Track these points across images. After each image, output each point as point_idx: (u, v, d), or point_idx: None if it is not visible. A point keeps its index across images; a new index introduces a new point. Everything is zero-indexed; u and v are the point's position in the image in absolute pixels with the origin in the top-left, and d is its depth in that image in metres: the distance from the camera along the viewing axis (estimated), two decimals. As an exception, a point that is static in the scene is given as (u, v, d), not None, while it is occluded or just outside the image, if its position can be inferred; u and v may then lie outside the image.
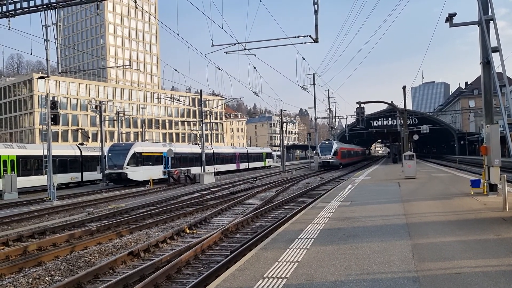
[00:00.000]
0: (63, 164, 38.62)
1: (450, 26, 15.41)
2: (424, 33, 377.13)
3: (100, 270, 9.08)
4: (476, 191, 15.55)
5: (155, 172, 40.00)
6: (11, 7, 17.46)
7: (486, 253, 7.17)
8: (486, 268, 6.27)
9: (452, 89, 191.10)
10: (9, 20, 17.87)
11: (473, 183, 16.02)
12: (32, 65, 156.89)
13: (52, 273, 9.24)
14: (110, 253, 11.09)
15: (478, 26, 14.89)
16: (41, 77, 28.24)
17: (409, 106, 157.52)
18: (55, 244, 12.39)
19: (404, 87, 41.83)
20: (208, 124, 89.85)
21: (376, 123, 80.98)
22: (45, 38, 18.07)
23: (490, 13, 14.49)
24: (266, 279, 6.31)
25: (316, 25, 18.79)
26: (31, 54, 32.62)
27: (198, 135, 69.03)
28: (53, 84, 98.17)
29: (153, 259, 10.05)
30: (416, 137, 52.03)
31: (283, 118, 60.40)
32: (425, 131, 57.12)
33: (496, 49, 13.88)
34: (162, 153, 41.81)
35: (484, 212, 11.37)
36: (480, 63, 14.98)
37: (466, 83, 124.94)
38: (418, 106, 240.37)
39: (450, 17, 15.33)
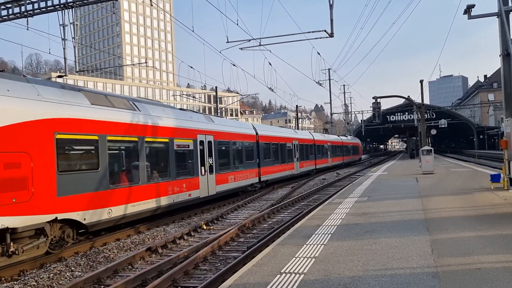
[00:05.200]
0: None
1: (468, 18, 15.13)
2: (442, 26, 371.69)
3: (119, 266, 9.19)
4: (496, 186, 15.29)
5: None
6: (29, 7, 17.69)
7: (508, 248, 7.05)
8: (507, 264, 6.16)
9: (471, 83, 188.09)
10: (27, 20, 18.12)
11: (493, 177, 15.75)
12: (50, 64, 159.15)
13: (73, 268, 9.39)
14: (128, 249, 11.22)
15: (498, 17, 14.59)
16: (59, 76, 28.62)
17: (427, 101, 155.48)
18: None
19: (421, 81, 41.27)
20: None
21: (393, 118, 79.95)
22: (62, 37, 18.26)
23: (510, 4, 14.18)
24: (284, 275, 6.32)
25: (331, 20, 18.65)
26: (49, 53, 32.95)
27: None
28: (71, 82, 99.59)
29: (171, 255, 10.14)
30: (434, 131, 51.34)
31: (299, 114, 60.16)
32: (443, 126, 56.31)
33: (516, 41, 13.59)
34: None
35: (505, 207, 11.18)
36: (499, 55, 14.69)
37: (485, 76, 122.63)
38: (435, 101, 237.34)
39: (468, 9, 15.05)
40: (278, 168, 27.62)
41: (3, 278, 8.85)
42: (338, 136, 55.29)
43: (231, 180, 20.43)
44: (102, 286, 8.20)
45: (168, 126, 15.13)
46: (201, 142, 17.62)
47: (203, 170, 17.52)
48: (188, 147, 16.56)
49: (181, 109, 18.40)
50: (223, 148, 19.96)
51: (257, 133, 24.81)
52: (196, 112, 19.85)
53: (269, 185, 26.12)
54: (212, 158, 18.46)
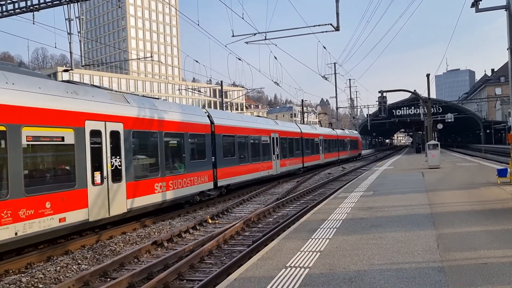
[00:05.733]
0: None
1: (476, 11, 14.99)
2: (449, 20, 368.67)
3: (125, 259, 9.25)
4: (503, 181, 15.20)
5: None
6: (35, 1, 17.74)
7: (514, 243, 7.01)
8: (514, 259, 6.13)
9: (478, 77, 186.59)
10: (33, 14, 18.16)
11: (499, 172, 15.66)
12: (56, 58, 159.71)
13: (79, 261, 9.46)
14: (134, 242, 11.28)
15: (506, 10, 14.43)
16: (65, 70, 28.76)
17: (433, 95, 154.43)
18: (81, 233, 12.66)
19: (427, 75, 40.96)
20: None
21: (399, 112, 79.58)
22: (68, 32, 18.30)
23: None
24: (289, 269, 6.33)
25: (337, 13, 18.57)
26: (55, 47, 33.07)
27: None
28: (77, 77, 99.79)
29: (177, 249, 10.18)
30: (440, 126, 51.03)
31: (304, 108, 60.02)
32: (449, 120, 55.91)
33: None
34: None
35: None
36: (507, 49, 14.53)
37: (493, 70, 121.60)
38: (442, 95, 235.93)
39: (476, 2, 14.91)
40: (246, 168, 21.70)
41: (11, 271, 8.93)
42: (333, 129, 49.48)
43: (158, 189, 14.07)
44: (108, 279, 8.25)
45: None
46: (95, 133, 11.48)
47: (98, 178, 11.41)
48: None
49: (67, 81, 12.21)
50: (143, 142, 13.96)
51: (212, 123, 18.53)
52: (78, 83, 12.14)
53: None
54: (119, 158, 12.33)
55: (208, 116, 18.72)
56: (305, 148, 33.35)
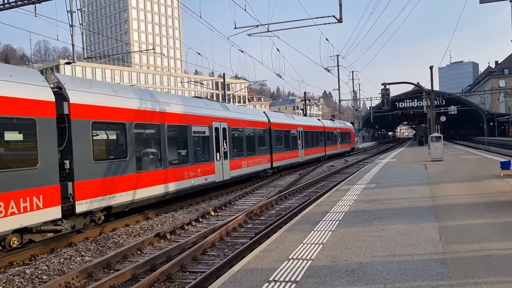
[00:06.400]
0: None
1: (480, 3, 14.87)
2: (453, 11, 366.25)
3: (128, 251, 9.30)
4: (506, 173, 15.16)
5: None
6: (37, -7, 17.72)
7: (517, 235, 7.00)
8: (516, 251, 6.13)
9: (482, 69, 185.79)
10: (35, 6, 18.14)
11: (502, 164, 15.62)
12: (59, 51, 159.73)
13: (83, 253, 9.52)
14: (137, 234, 11.33)
15: (510, 2, 14.32)
16: (67, 63, 28.74)
17: (436, 87, 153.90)
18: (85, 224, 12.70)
19: (431, 67, 40.80)
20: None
21: (402, 104, 79.43)
22: (70, 24, 18.29)
23: (523, -12, 13.90)
24: (291, 261, 6.34)
25: (340, 5, 18.47)
26: (57, 40, 32.93)
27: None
28: (79, 69, 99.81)
29: (179, 241, 10.22)
30: (443, 118, 50.85)
31: (307, 101, 59.96)
32: (452, 112, 55.77)
33: (529, 26, 13.36)
34: None
35: (515, 194, 11.10)
36: (511, 41, 14.45)
37: (496, 62, 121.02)
38: (445, 87, 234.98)
39: (480, -7, 14.79)
40: (163, 177, 14.16)
41: (15, 263, 9.00)
42: (319, 119, 42.10)
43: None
44: (111, 271, 8.30)
45: None
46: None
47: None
48: None
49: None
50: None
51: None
52: None
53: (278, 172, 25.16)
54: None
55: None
56: (275, 143, 25.59)
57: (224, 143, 19.03)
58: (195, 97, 19.94)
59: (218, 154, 18.33)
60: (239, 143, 20.80)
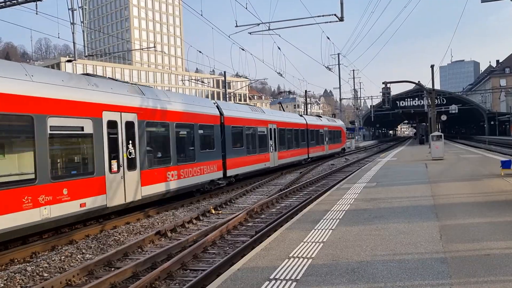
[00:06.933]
0: None
1: (482, 1, 14.87)
2: (454, 10, 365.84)
3: (129, 249, 9.31)
4: (507, 172, 15.16)
5: None
6: (38, -9, 17.71)
7: (517, 235, 7.01)
8: (517, 250, 6.13)
9: (483, 68, 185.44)
10: (36, 4, 18.15)
11: (503, 164, 15.62)
12: (60, 49, 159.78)
13: (84, 251, 9.53)
14: (138, 232, 11.34)
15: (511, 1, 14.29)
16: (68, 61, 28.76)
17: (437, 86, 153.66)
18: (85, 223, 12.73)
19: (432, 66, 40.70)
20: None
21: (403, 103, 79.39)
22: (71, 22, 18.29)
23: (524, -13, 13.88)
24: (292, 259, 6.35)
25: (342, 3, 18.45)
26: (58, 37, 33.03)
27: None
28: (80, 67, 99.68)
29: (180, 239, 10.24)
30: (444, 117, 50.82)
31: (308, 99, 59.92)
32: (453, 111, 55.77)
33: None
34: None
35: (515, 193, 11.10)
36: (513, 40, 14.42)
37: (497, 61, 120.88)
38: (446, 86, 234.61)
39: (482, -8, 14.76)
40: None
41: (16, 260, 9.01)
42: (302, 115, 35.30)
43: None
44: (112, 269, 8.32)
45: None
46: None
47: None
48: None
49: None
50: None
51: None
52: None
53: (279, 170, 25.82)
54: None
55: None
56: (231, 143, 20.15)
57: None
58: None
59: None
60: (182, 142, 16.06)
